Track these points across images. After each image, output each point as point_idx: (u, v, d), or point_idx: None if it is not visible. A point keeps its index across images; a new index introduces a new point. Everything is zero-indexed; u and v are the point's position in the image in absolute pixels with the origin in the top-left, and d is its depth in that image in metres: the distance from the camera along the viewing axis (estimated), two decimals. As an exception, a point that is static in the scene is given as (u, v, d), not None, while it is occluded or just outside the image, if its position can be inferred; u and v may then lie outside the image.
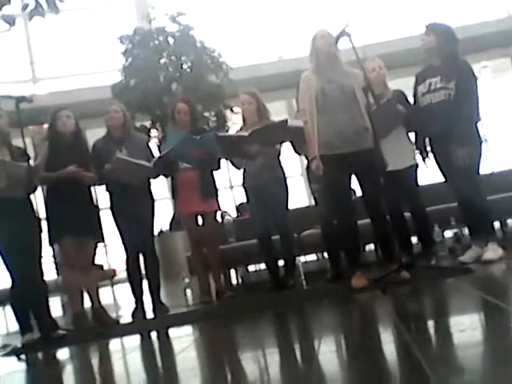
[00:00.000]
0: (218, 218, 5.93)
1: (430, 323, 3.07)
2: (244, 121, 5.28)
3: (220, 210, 5.63)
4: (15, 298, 4.64)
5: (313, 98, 4.34)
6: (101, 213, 5.10)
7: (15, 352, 4.29)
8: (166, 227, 10.11)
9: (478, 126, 4.53)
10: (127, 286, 5.24)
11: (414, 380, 2.02)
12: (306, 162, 5.19)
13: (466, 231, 5.26)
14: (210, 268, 5.31)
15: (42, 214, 4.91)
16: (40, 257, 4.69)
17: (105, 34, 13.17)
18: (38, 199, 4.91)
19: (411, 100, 4.83)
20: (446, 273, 4.23)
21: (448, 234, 5.83)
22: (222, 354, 3.19)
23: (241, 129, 5.30)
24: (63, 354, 4.21)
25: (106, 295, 5.59)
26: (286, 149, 5.24)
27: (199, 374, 2.84)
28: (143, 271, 5.17)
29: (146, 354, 3.70)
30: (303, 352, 2.92)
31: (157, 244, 5.42)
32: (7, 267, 4.55)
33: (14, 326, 4.80)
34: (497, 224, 5.76)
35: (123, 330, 4.53)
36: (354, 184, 4.51)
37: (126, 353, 3.88)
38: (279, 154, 5.21)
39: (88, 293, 4.94)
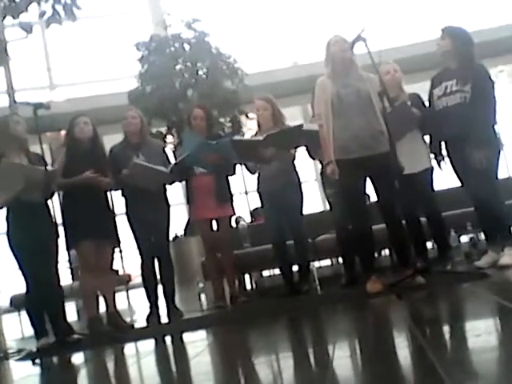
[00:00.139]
0: (233, 223, 5.93)
1: (446, 328, 3.05)
2: (259, 126, 5.28)
3: (235, 215, 5.64)
4: (30, 303, 4.67)
5: (328, 102, 4.33)
6: (117, 218, 5.12)
7: (30, 356, 4.31)
8: (180, 232, 10.14)
9: (495, 129, 4.50)
10: (142, 290, 5.26)
11: (428, 385, 2.00)
12: (320, 166, 5.19)
13: (482, 236, 5.22)
14: (225, 273, 5.32)
15: (59, 219, 4.94)
16: (56, 262, 4.71)
17: (121, 40, 13.26)
18: (54, 204, 4.93)
19: (427, 104, 4.81)
20: (462, 278, 4.19)
21: (464, 238, 5.77)
22: (236, 359, 3.19)
23: (256, 134, 5.30)
24: (78, 358, 4.23)
25: (120, 300, 5.59)
26: (301, 153, 5.24)
27: (213, 378, 2.83)
28: (158, 276, 5.18)
29: (161, 359, 3.71)
30: (317, 357, 2.90)
31: (171, 249, 5.43)
32: (22, 272, 4.58)
33: (29, 331, 4.81)
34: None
35: (138, 335, 4.54)
36: (369, 188, 4.49)
37: (141, 357, 3.89)
38: (294, 159, 5.20)
39: (104, 297, 4.96)
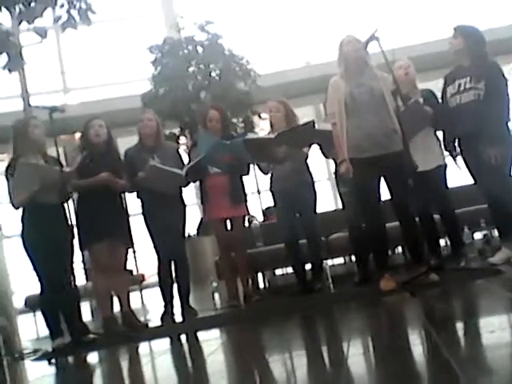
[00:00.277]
0: (246, 223, 5.94)
1: (460, 325, 3.05)
2: (272, 128, 5.29)
3: (249, 214, 5.65)
4: (45, 304, 4.71)
5: (342, 102, 4.34)
6: (130, 219, 5.15)
7: (46, 356, 4.35)
8: (193, 232, 10.14)
9: (508, 126, 4.49)
10: (156, 290, 5.28)
11: (443, 381, 2.01)
12: (332, 165, 5.18)
13: (495, 233, 5.19)
14: (238, 272, 5.33)
15: (74, 220, 4.97)
16: (71, 262, 4.74)
17: (135, 43, 13.33)
18: (69, 206, 4.97)
19: (440, 100, 4.80)
20: (476, 274, 4.18)
21: (478, 235, 5.75)
22: (250, 357, 3.19)
23: (268, 135, 5.31)
24: (93, 357, 4.26)
25: (134, 300, 5.62)
26: (313, 152, 5.24)
27: (227, 376, 2.85)
28: (173, 276, 5.20)
29: (176, 358, 3.73)
30: (332, 355, 2.91)
31: (185, 248, 5.44)
32: (37, 273, 4.61)
33: (45, 331, 4.85)
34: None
35: (152, 334, 4.56)
36: (382, 187, 4.48)
37: (155, 356, 3.91)
38: (307, 158, 5.21)
39: (118, 297, 4.98)
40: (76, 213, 4.95)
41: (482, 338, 2.57)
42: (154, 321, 5.19)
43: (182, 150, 8.48)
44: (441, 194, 4.80)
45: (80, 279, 7.46)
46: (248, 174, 5.39)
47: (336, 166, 4.96)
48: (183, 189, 5.27)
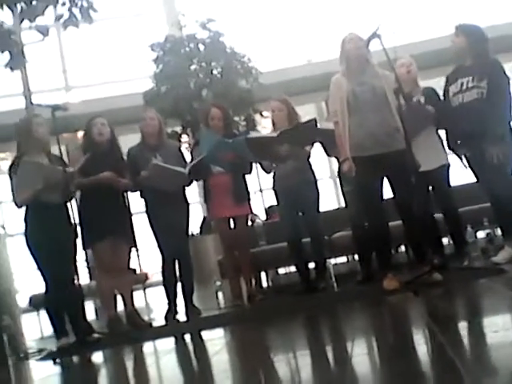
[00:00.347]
0: (249, 222, 5.94)
1: (463, 324, 3.06)
2: (274, 127, 5.29)
3: (252, 213, 5.65)
4: (50, 303, 4.72)
5: (344, 100, 4.34)
6: (133, 217, 5.16)
7: (51, 356, 4.36)
8: (196, 231, 10.16)
9: (511, 124, 4.49)
10: (159, 289, 5.28)
11: (447, 381, 2.01)
12: (335, 164, 5.18)
13: (498, 232, 5.20)
14: (242, 271, 5.33)
15: (77, 219, 4.98)
16: (75, 261, 4.76)
17: (136, 41, 13.34)
18: (72, 205, 4.98)
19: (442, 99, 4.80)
20: (479, 274, 4.19)
21: (481, 234, 5.76)
22: (255, 357, 3.20)
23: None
24: (98, 357, 4.27)
25: (138, 299, 5.63)
26: (316, 151, 5.24)
27: (232, 376, 2.86)
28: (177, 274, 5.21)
29: (180, 357, 3.75)
30: (336, 354, 2.92)
31: (187, 247, 5.45)
32: (41, 272, 4.62)
33: (49, 331, 4.87)
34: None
35: (157, 333, 4.57)
36: (385, 185, 4.49)
37: (160, 356, 3.93)
38: (309, 157, 5.21)
39: (122, 296, 4.99)
40: (79, 211, 4.96)
41: (485, 338, 2.57)
42: (158, 320, 5.21)
43: (184, 149, 8.50)
44: (444, 193, 4.80)
45: (84, 278, 7.49)
46: (250, 172, 5.40)
47: (339, 164, 4.96)
48: (186, 187, 5.28)
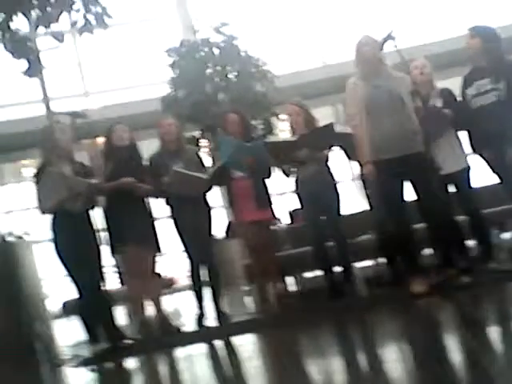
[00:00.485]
0: (273, 226, 5.96)
1: (494, 328, 3.05)
2: (292, 131, 5.32)
3: (275, 217, 5.67)
4: (82, 309, 4.78)
5: (360, 104, 4.36)
6: (157, 222, 5.19)
7: (84, 363, 4.40)
8: (221, 235, 10.15)
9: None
10: (186, 294, 5.27)
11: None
12: (357, 166, 5.20)
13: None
14: (268, 276, 5.35)
15: (102, 225, 5.02)
16: (101, 268, 4.80)
17: (151, 46, 13.40)
18: (97, 211, 5.03)
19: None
20: (506, 276, 4.18)
21: (506, 235, 5.74)
22: (285, 363, 3.22)
23: (289, 138, 5.35)
24: (130, 363, 4.31)
25: (166, 303, 5.65)
26: (337, 154, 5.26)
27: (264, 382, 2.90)
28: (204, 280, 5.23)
29: (212, 363, 3.78)
30: (367, 360, 2.94)
31: (213, 252, 5.48)
32: (72, 278, 4.68)
33: (82, 336, 4.90)
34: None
35: (187, 339, 4.61)
36: (408, 188, 4.50)
37: (191, 362, 3.95)
38: (327, 160, 5.23)
39: (151, 302, 5.02)
40: (105, 217, 5.01)
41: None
42: (187, 325, 5.23)
43: (204, 153, 8.55)
44: (466, 195, 4.79)
45: (114, 284, 7.53)
46: (270, 176, 5.42)
47: (360, 167, 4.98)
48: (207, 193, 5.31)
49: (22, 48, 6.47)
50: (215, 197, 5.79)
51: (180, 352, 4.30)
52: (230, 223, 9.80)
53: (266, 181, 5.39)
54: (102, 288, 4.81)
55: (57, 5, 6.37)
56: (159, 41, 12.68)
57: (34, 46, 6.79)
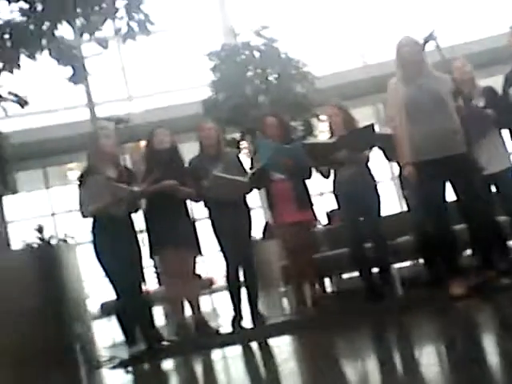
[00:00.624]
0: (313, 227, 5.95)
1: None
2: (331, 132, 5.31)
3: (316, 219, 5.67)
4: (121, 311, 4.84)
5: (401, 105, 4.33)
6: (197, 224, 5.23)
7: (122, 364, 4.45)
8: (258, 236, 10.20)
9: None
10: (224, 294, 5.30)
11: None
12: (396, 167, 5.16)
13: None
14: (305, 277, 5.35)
15: (142, 226, 5.09)
16: (142, 269, 4.87)
17: (193, 51, 13.55)
18: (138, 214, 5.11)
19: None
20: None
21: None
22: (321, 365, 3.21)
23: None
24: (168, 365, 4.34)
25: (204, 304, 5.70)
26: (377, 154, 5.24)
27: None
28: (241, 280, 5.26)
29: (249, 365, 3.79)
30: (405, 363, 2.91)
31: (250, 253, 5.50)
32: (111, 281, 4.74)
33: (120, 337, 4.96)
34: None
35: (224, 340, 4.62)
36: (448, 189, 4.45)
37: (228, 363, 3.97)
38: (368, 161, 5.20)
39: (189, 303, 5.05)
40: (145, 220, 5.07)
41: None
42: (225, 326, 5.26)
43: (244, 155, 8.60)
44: (509, 195, 4.72)
45: (153, 285, 7.63)
46: (310, 177, 5.42)
47: (400, 168, 4.94)
48: (247, 195, 5.34)
49: (67, 55, 6.63)
50: (253, 198, 5.81)
51: (217, 354, 4.32)
52: (266, 224, 9.83)
53: (307, 182, 5.39)
54: (142, 290, 4.87)
55: (101, 13, 6.52)
56: (200, 45, 12.81)
57: (78, 54, 6.95)
